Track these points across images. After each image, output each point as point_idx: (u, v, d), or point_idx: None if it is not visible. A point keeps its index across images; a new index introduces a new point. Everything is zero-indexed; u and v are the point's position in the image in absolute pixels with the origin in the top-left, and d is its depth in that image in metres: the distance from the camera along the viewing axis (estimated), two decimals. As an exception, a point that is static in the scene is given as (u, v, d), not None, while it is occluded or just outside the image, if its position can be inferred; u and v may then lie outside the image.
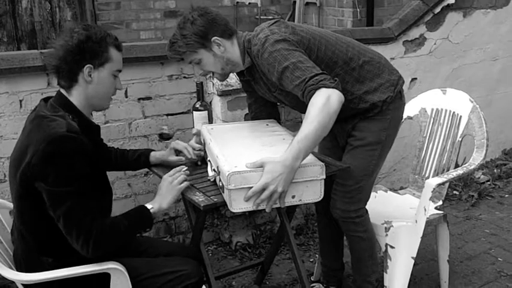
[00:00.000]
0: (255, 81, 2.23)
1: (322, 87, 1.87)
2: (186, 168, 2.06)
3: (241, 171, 1.82)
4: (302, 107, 2.00)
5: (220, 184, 1.94)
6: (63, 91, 1.83)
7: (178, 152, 2.24)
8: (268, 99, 2.33)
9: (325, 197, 2.00)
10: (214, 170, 2.03)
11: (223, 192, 1.91)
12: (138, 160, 2.21)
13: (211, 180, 2.05)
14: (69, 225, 1.67)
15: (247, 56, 2.12)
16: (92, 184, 1.73)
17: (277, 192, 1.81)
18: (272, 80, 2.08)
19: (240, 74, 2.25)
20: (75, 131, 1.71)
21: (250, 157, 1.89)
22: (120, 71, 1.90)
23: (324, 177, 1.92)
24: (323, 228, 2.60)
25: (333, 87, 1.87)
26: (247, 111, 2.92)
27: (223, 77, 2.20)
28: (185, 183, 1.97)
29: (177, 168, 2.04)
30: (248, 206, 1.86)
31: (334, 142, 2.41)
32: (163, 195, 1.93)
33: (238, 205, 1.85)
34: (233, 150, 2.01)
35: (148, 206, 1.88)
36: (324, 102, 1.83)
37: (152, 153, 2.23)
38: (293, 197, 1.91)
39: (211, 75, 2.30)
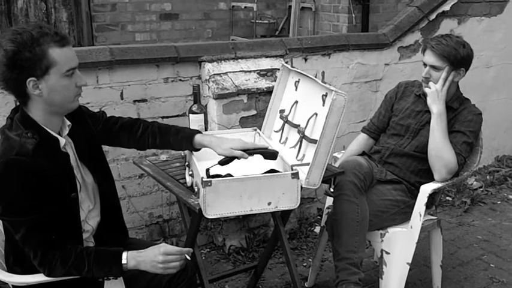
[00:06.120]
0: None
1: None
2: (191, 252, 1.79)
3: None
4: None
5: (196, 189, 1.92)
6: (23, 106, 1.68)
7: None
8: None
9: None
10: (190, 174, 2.01)
11: (198, 197, 1.88)
12: (180, 144, 2.03)
13: (188, 185, 2.03)
14: (27, 249, 1.67)
15: None
16: (53, 204, 1.65)
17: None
18: None
19: None
20: (25, 153, 1.59)
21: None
22: (74, 68, 1.67)
23: (300, 184, 1.90)
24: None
25: None
26: (243, 115, 2.93)
27: None
28: (172, 270, 1.73)
29: (184, 250, 1.76)
30: (223, 213, 1.84)
31: None
32: (146, 262, 1.71)
33: (212, 211, 1.83)
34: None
35: (124, 256, 1.70)
36: None
37: (197, 139, 1.99)
38: (269, 203, 1.88)
39: None
